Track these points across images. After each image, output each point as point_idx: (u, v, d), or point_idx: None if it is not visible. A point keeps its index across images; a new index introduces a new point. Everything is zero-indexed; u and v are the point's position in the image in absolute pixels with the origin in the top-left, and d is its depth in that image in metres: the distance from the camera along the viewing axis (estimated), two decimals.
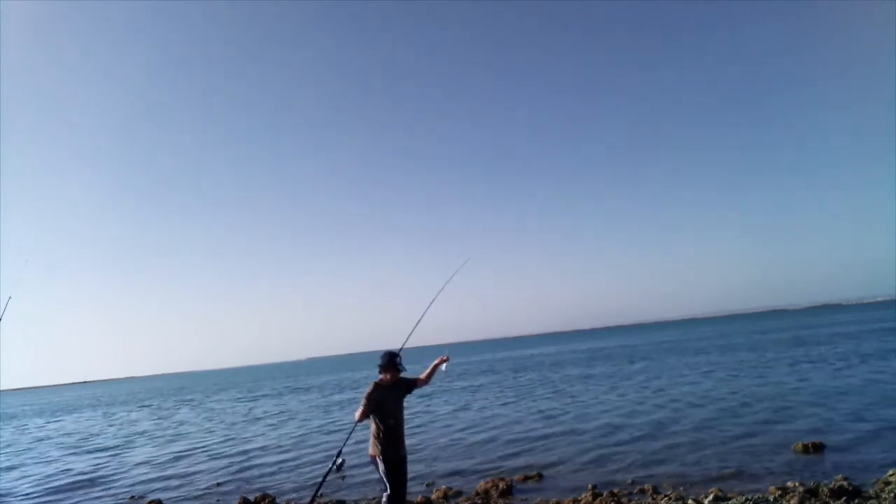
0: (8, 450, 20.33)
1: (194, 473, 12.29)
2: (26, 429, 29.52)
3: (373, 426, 5.54)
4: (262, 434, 17.47)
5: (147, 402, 43.76)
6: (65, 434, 24.45)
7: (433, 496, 8.49)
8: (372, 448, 5.52)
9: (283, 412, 24.14)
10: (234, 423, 21.43)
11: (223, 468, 12.52)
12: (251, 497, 9.27)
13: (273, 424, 19.87)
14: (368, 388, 5.51)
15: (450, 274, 6.97)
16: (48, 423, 32.66)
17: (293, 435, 16.57)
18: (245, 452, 14.27)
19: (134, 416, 31.44)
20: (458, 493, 8.57)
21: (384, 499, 5.51)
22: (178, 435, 19.69)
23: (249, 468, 12.26)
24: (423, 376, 5.91)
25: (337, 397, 29.49)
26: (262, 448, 14.74)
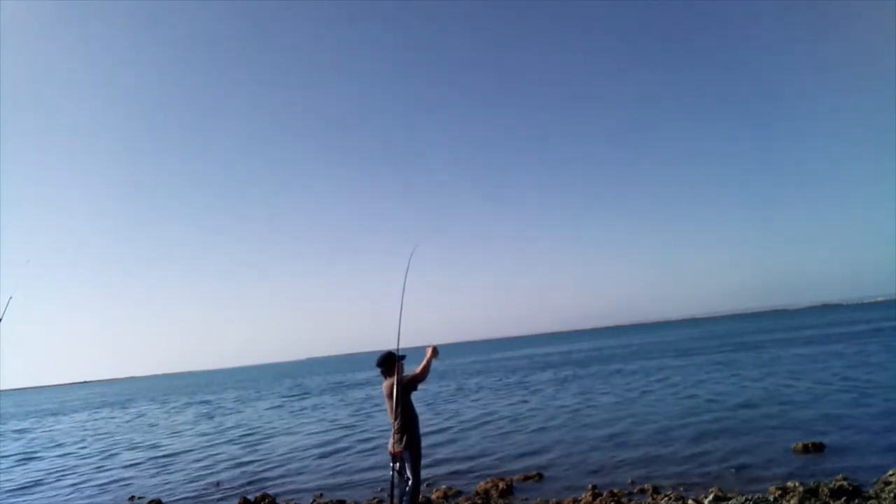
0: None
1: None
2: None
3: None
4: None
5: (206, 399, 40.70)
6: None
7: (433, 496, 8.49)
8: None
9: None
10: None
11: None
12: (251, 497, 9.28)
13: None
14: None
15: (410, 267, 6.86)
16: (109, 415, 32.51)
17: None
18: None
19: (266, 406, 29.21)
20: (458, 493, 8.58)
21: (409, 489, 5.76)
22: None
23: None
24: (418, 371, 6.14)
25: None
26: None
